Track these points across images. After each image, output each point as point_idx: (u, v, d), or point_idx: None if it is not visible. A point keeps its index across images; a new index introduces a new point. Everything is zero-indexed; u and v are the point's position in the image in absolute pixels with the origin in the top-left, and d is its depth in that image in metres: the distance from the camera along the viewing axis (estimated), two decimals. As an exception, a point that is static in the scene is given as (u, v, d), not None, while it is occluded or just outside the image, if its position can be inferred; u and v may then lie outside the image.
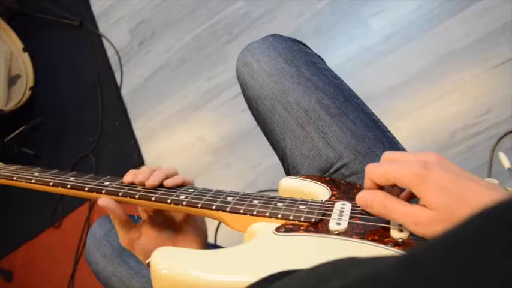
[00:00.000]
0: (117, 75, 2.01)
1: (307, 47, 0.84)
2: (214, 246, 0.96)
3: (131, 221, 0.63)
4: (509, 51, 1.33)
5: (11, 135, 1.97)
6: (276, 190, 1.53)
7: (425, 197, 0.41)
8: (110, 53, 2.07)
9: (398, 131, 0.77)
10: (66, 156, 2.03)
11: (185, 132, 1.79)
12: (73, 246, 1.83)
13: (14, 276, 1.98)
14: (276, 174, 1.53)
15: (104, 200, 0.60)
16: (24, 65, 2.13)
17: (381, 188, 0.46)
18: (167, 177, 0.64)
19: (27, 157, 2.05)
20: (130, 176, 0.63)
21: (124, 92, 1.98)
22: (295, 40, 0.83)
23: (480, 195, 0.40)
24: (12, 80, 2.07)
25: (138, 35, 2.02)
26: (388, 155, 0.48)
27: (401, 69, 1.45)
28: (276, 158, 0.84)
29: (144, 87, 1.93)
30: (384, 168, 0.44)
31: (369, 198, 0.45)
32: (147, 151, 1.85)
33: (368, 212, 0.46)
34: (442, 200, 0.40)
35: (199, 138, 1.74)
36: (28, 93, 2.09)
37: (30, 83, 2.12)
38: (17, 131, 1.99)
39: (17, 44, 2.14)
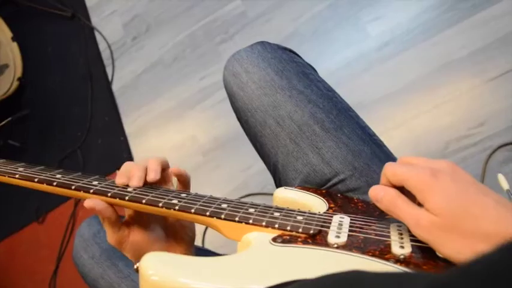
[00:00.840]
0: (109, 70, 1.98)
1: (298, 55, 0.81)
2: (202, 249, 0.94)
3: (120, 220, 0.61)
4: (505, 64, 1.33)
5: (-4, 127, 1.93)
6: (267, 194, 1.52)
7: (427, 202, 0.41)
8: (102, 46, 2.04)
9: (391, 139, 0.76)
10: (53, 150, 1.99)
11: (176, 131, 1.76)
12: (57, 243, 1.80)
13: (-5, 271, 1.94)
14: (267, 177, 1.51)
15: (90, 201, 0.57)
16: (13, 54, 2.09)
17: (395, 187, 0.46)
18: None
19: (12, 149, 2.01)
20: (123, 180, 0.60)
21: (115, 87, 1.94)
22: (285, 48, 0.79)
23: (487, 210, 0.40)
24: (-1, 70, 2.03)
25: (131, 30, 1.99)
26: (404, 158, 0.49)
27: (398, 77, 1.45)
28: (267, 162, 0.81)
29: (136, 83, 1.90)
30: (397, 168, 0.45)
31: (381, 193, 0.46)
32: (136, 148, 1.82)
33: (368, 222, 0.45)
34: (444, 205, 0.40)
35: (190, 138, 1.72)
36: (16, 83, 2.04)
37: (18, 73, 2.07)
38: (3, 122, 1.95)
39: (6, 32, 2.09)
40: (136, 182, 0.59)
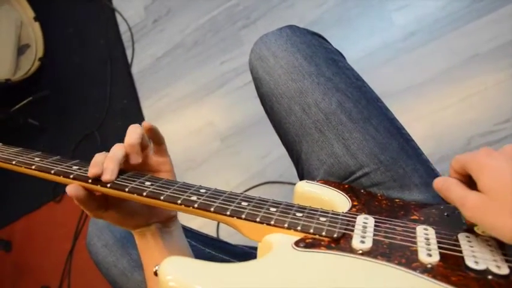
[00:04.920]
0: (129, 52, 1.97)
1: (327, 41, 0.78)
2: (217, 240, 0.93)
3: (94, 199, 0.59)
4: (536, 58, 1.28)
5: (17, 106, 1.94)
6: (284, 182, 1.51)
7: (479, 180, 0.41)
8: (123, 28, 2.02)
9: (413, 132, 0.73)
10: (71, 131, 2.00)
11: (194, 116, 1.75)
12: (73, 222, 1.82)
13: (13, 247, 1.97)
14: (285, 165, 1.50)
15: (73, 188, 0.56)
16: (35, 34, 2.09)
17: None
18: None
19: (32, 129, 2.02)
20: (95, 170, 0.57)
21: (134, 70, 1.94)
22: (314, 33, 0.77)
23: None
24: (21, 49, 2.03)
25: (152, 13, 1.97)
26: None
27: (422, 69, 1.41)
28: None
29: (156, 66, 1.89)
30: (460, 155, 0.46)
31: (441, 182, 0.47)
32: (154, 132, 1.81)
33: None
34: (494, 184, 0.40)
35: (209, 123, 1.71)
36: (37, 64, 2.05)
37: (40, 53, 2.08)
38: (24, 102, 1.96)
39: (28, 12, 2.10)
40: (109, 176, 0.57)
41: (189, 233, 0.84)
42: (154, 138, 0.65)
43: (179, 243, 0.68)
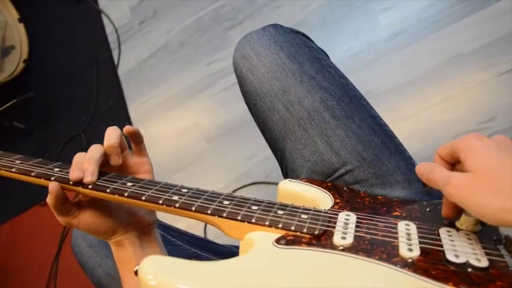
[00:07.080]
0: (115, 54, 1.96)
1: (311, 40, 0.79)
2: (204, 240, 0.92)
3: (68, 202, 0.59)
4: (517, 58, 1.30)
5: (1, 108, 1.92)
6: (270, 182, 1.51)
7: (468, 159, 0.42)
8: (109, 30, 2.01)
9: (399, 131, 0.74)
10: (57, 133, 1.98)
11: (181, 117, 1.75)
12: (59, 226, 1.80)
13: (-2, 252, 1.95)
14: (271, 166, 1.51)
15: (56, 186, 0.56)
16: (19, 36, 2.07)
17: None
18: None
19: (17, 132, 2.00)
20: (76, 174, 0.57)
21: (121, 71, 1.93)
22: (298, 32, 0.77)
23: None
24: (5, 51, 2.01)
25: (138, 14, 1.96)
26: None
27: (407, 69, 1.42)
28: (272, 150, 0.80)
29: (142, 68, 1.88)
30: (448, 142, 0.47)
31: (423, 166, 0.48)
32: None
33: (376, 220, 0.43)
34: (483, 163, 0.41)
35: (195, 124, 1.71)
36: (22, 65, 2.03)
37: (25, 55, 2.05)
38: (8, 104, 1.94)
39: (13, 13, 2.07)
40: (89, 178, 0.56)
41: (175, 232, 0.83)
42: (133, 137, 0.65)
43: (159, 251, 0.67)
